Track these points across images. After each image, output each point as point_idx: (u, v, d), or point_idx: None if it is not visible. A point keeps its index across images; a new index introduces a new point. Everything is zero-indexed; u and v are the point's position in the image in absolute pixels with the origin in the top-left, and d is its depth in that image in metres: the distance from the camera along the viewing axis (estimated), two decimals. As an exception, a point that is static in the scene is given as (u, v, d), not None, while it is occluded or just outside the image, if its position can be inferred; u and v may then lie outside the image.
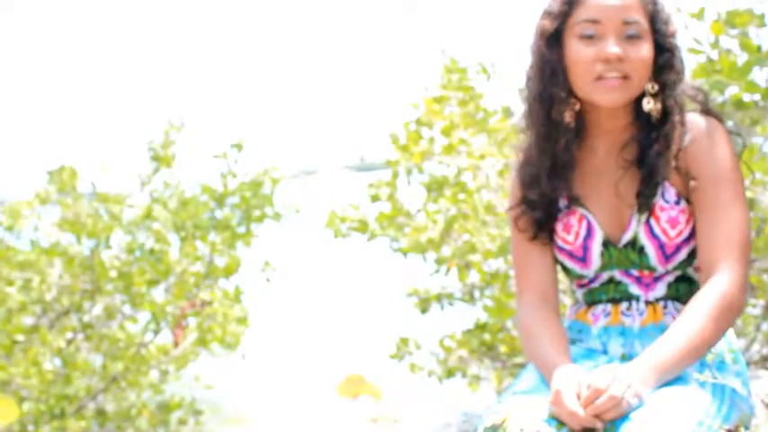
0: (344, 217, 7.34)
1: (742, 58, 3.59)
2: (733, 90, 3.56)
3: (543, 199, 2.72)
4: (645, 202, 2.63)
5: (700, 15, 3.76)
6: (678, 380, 2.45)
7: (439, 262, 6.67)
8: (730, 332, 2.71)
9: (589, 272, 2.71)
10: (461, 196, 6.57)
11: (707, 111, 2.69)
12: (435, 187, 6.83)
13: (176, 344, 7.45)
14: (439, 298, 6.97)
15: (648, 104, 2.63)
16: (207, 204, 7.66)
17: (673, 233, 2.62)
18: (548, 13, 2.67)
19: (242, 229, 7.68)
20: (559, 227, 2.72)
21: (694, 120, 2.65)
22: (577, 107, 2.69)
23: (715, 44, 3.69)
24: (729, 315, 2.52)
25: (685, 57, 2.75)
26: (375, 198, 7.13)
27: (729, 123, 3.58)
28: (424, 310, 7.01)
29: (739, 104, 3.54)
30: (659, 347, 2.45)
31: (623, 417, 2.34)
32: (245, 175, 7.74)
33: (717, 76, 3.52)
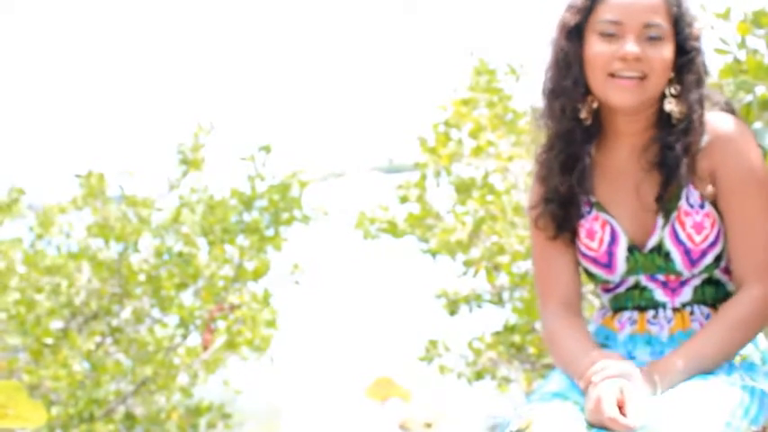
0: (374, 218, 7.35)
1: (769, 58, 3.58)
2: (760, 90, 3.54)
3: (558, 194, 2.71)
4: (665, 206, 2.61)
5: (726, 15, 3.74)
6: (706, 380, 2.45)
7: (467, 264, 6.66)
8: (759, 334, 2.70)
9: (615, 277, 2.69)
10: (490, 198, 6.56)
11: (731, 110, 2.67)
12: (463, 189, 6.82)
13: (205, 347, 7.46)
14: (468, 300, 6.96)
15: (670, 105, 2.61)
16: (235, 207, 7.67)
17: (698, 238, 2.60)
18: (570, 7, 2.66)
19: (270, 232, 7.68)
20: (582, 233, 2.70)
21: (716, 119, 2.62)
22: (595, 105, 2.67)
23: (742, 44, 3.68)
24: (757, 325, 2.53)
25: (712, 57, 2.72)
26: (404, 199, 7.13)
27: (757, 125, 3.56)
28: (452, 312, 7.01)
29: (766, 105, 3.52)
30: (687, 350, 2.45)
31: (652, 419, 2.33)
32: (274, 178, 7.74)
33: (743, 77, 3.50)
